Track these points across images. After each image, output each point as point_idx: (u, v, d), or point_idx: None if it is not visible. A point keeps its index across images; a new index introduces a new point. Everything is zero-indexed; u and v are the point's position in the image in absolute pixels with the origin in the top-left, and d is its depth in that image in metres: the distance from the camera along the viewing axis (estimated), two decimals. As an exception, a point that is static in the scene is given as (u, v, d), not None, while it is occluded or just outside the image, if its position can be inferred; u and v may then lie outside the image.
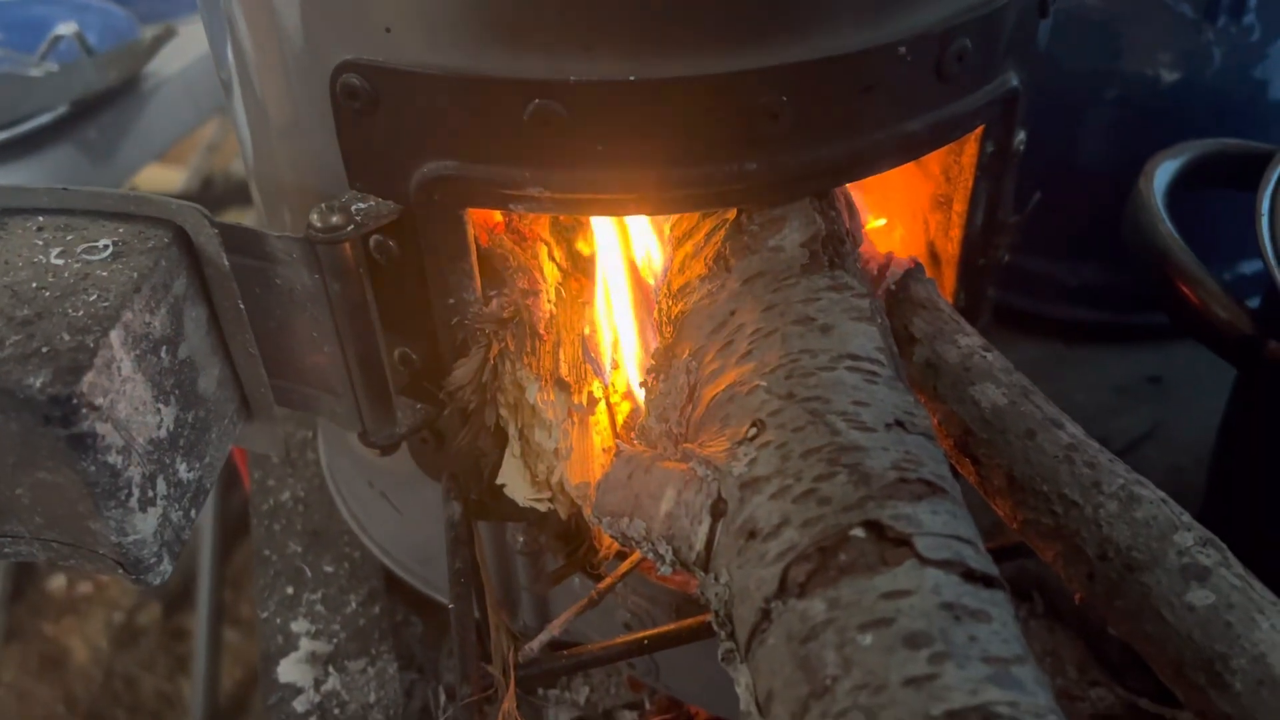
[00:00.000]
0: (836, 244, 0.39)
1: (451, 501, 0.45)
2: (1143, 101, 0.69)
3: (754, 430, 0.34)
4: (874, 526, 0.30)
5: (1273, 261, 0.47)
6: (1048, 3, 0.43)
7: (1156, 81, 0.68)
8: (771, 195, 0.40)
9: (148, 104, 1.12)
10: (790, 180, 0.39)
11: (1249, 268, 0.74)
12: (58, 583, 1.54)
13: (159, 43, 1.11)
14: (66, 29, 1.12)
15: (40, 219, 0.41)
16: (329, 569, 0.59)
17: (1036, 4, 0.42)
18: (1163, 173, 0.54)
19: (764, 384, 0.35)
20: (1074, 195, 0.70)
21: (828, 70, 0.36)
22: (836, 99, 0.37)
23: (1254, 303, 0.75)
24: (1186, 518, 0.36)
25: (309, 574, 0.59)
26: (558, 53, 0.35)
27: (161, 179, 1.77)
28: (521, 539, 0.48)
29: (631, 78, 0.35)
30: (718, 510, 0.33)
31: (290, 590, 0.58)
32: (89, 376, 0.35)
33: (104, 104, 1.06)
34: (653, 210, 0.41)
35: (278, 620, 0.57)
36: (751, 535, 0.31)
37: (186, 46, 1.17)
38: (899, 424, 0.34)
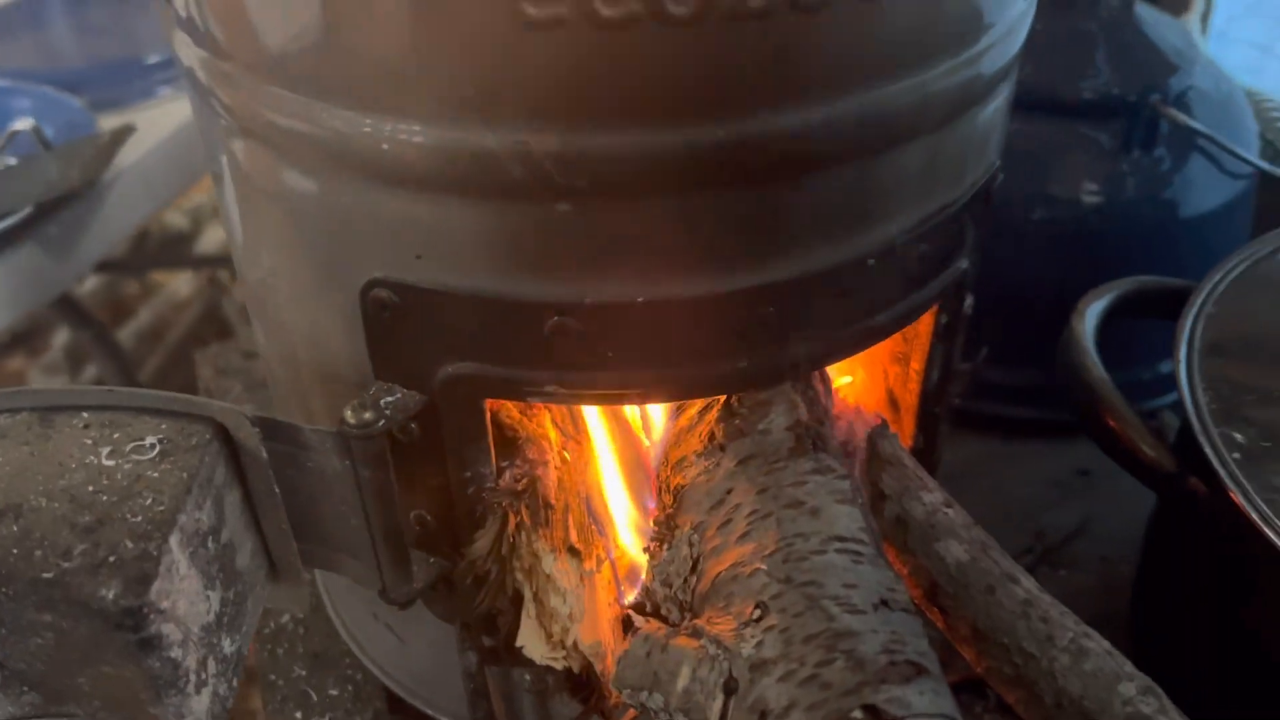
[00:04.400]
0: (817, 426, 0.44)
1: (468, 652, 0.49)
2: (1069, 222, 0.76)
3: (758, 612, 0.39)
4: (871, 710, 0.35)
5: (1188, 400, 0.54)
6: (992, 192, 0.49)
7: (1079, 204, 0.75)
8: (758, 384, 0.45)
9: (106, 197, 1.14)
10: (774, 372, 0.44)
11: (1168, 368, 0.81)
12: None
13: (120, 140, 1.12)
14: (23, 124, 1.13)
15: (86, 415, 0.44)
16: (334, 692, 0.63)
17: (983, 196, 0.48)
18: (1091, 312, 0.60)
19: (764, 567, 0.40)
20: (1008, 306, 0.77)
21: (810, 284, 0.41)
22: (817, 306, 0.42)
23: (1171, 397, 0.82)
24: (1129, 667, 0.41)
25: (315, 698, 0.62)
26: (575, 278, 0.40)
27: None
28: (529, 677, 0.52)
29: (640, 299, 0.40)
30: (729, 687, 0.38)
31: (299, 715, 0.61)
32: (156, 584, 0.38)
33: (64, 201, 1.08)
34: (654, 400, 0.46)
35: (288, 747, 0.60)
36: (763, 715, 0.36)
37: (142, 137, 1.19)
38: (884, 603, 0.39)
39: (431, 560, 0.49)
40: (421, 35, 0.35)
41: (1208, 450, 0.50)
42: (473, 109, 0.36)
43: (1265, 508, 0.47)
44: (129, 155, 1.16)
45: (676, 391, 0.43)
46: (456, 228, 0.39)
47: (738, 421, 0.45)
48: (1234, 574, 0.53)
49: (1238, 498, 0.48)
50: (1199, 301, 0.59)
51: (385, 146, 0.37)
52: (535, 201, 0.38)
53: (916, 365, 0.52)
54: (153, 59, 1.32)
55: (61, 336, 1.53)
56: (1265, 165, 0.76)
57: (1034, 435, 0.81)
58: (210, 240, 1.83)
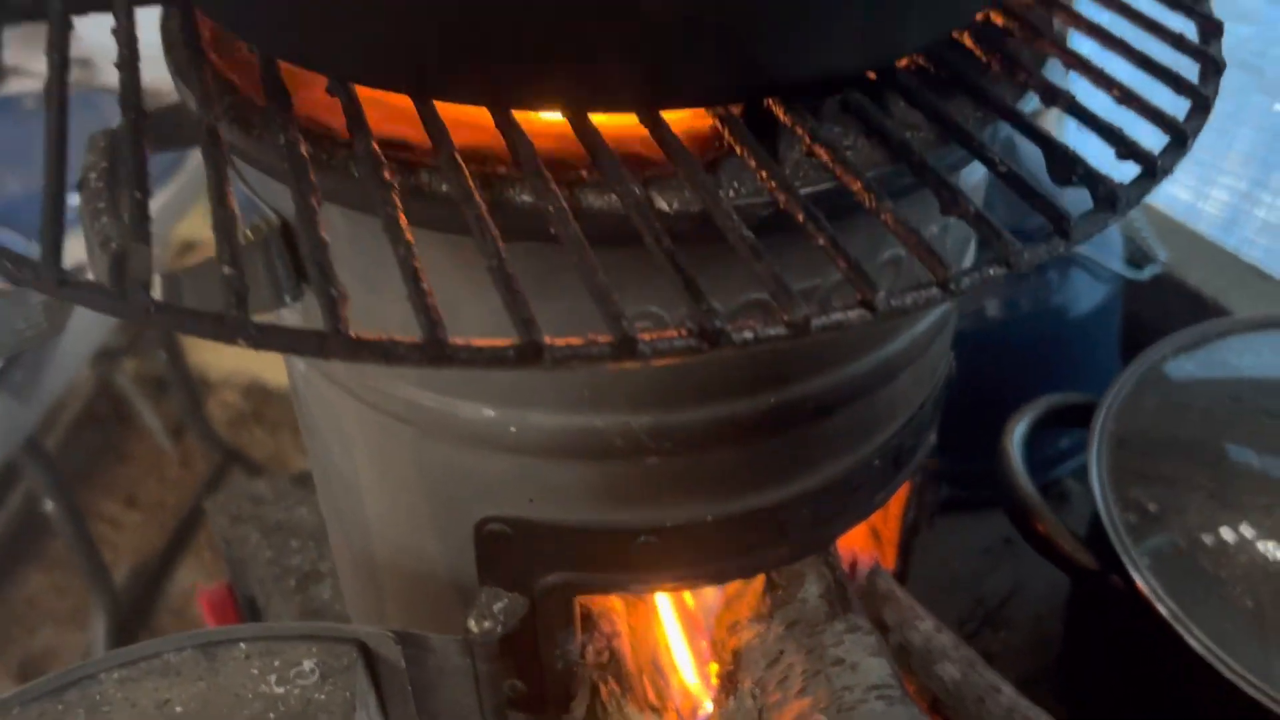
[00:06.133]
0: (843, 592, 0.56)
1: (563, 793, 0.59)
2: (977, 331, 0.90)
3: (825, 757, 0.50)
4: (926, 830, 0.47)
5: (1105, 515, 0.67)
6: (951, 377, 0.61)
7: (985, 318, 0.89)
8: (794, 560, 0.56)
9: (64, 333, 1.17)
10: (806, 551, 0.55)
11: (1066, 443, 0.96)
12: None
13: (78, 283, 1.16)
14: (-27, 271, 1.14)
15: (244, 646, 0.52)
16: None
17: (945, 384, 0.60)
18: (1018, 432, 0.74)
19: (824, 719, 0.51)
20: (935, 406, 0.90)
21: (833, 487, 0.53)
22: (837, 501, 0.54)
23: (1068, 466, 0.97)
24: (1092, 756, 0.54)
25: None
26: (659, 508, 0.50)
27: None
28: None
29: (709, 518, 0.51)
30: (811, 819, 0.49)
31: None
32: (353, 800, 0.47)
33: (27, 345, 1.11)
34: (713, 584, 0.56)
35: None
36: (843, 841, 0.48)
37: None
38: (917, 737, 0.51)
39: (521, 716, 0.59)
40: (555, 362, 0.45)
41: (1125, 561, 0.64)
42: (587, 404, 0.46)
43: (1174, 605, 0.61)
44: (80, 290, 1.19)
45: (732, 574, 0.54)
46: (565, 480, 0.49)
47: (780, 592, 0.56)
48: (1146, 653, 0.67)
49: (1150, 598, 0.62)
50: (1100, 420, 0.73)
51: (513, 429, 0.47)
52: (630, 459, 0.48)
53: (895, 510, 0.64)
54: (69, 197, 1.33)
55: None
56: (1129, 273, 0.92)
57: (962, 510, 0.95)
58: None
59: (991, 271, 0.33)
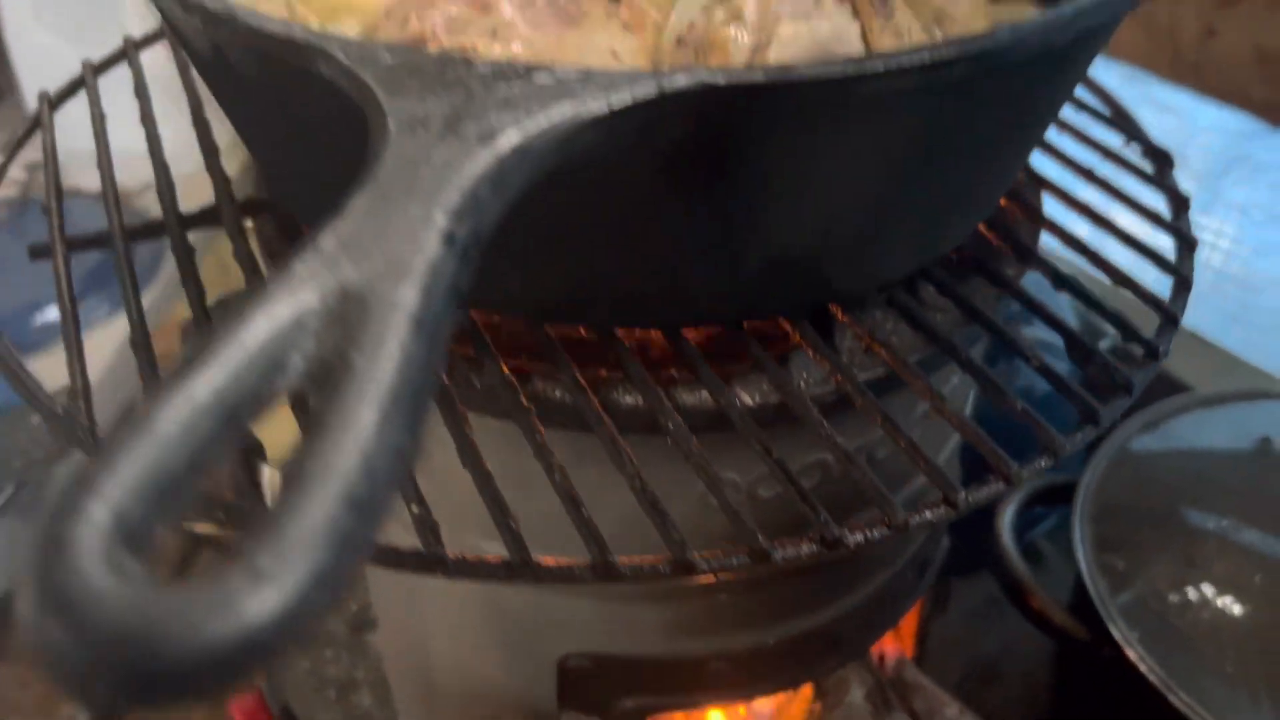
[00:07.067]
0: (884, 692, 0.63)
1: None
2: (956, 414, 0.98)
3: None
4: None
5: (1093, 591, 0.75)
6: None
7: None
8: (840, 667, 0.63)
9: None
10: (851, 658, 0.62)
11: (1040, 511, 1.05)
12: None
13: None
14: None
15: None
16: None
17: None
18: (1007, 515, 0.82)
19: (881, 812, 0.57)
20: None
21: (874, 602, 0.60)
22: (876, 611, 0.61)
23: (1041, 528, 1.05)
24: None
25: None
26: (729, 637, 0.57)
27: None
28: None
29: (771, 640, 0.57)
30: None
31: None
32: None
33: (31, 466, 1.13)
34: (774, 694, 0.63)
35: None
36: None
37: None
38: (964, 822, 0.57)
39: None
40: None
41: (1115, 634, 0.71)
42: (669, 555, 0.52)
43: (1161, 672, 0.69)
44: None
45: (789, 685, 0.61)
46: (645, 618, 0.55)
47: (829, 697, 0.63)
48: (1131, 711, 0.75)
49: (1139, 665, 0.70)
50: (1080, 501, 0.81)
51: (600, 581, 0.53)
52: (704, 598, 0.55)
53: (915, 606, 0.71)
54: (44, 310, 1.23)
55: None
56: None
57: (951, 573, 1.03)
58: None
59: (1042, 463, 0.40)
